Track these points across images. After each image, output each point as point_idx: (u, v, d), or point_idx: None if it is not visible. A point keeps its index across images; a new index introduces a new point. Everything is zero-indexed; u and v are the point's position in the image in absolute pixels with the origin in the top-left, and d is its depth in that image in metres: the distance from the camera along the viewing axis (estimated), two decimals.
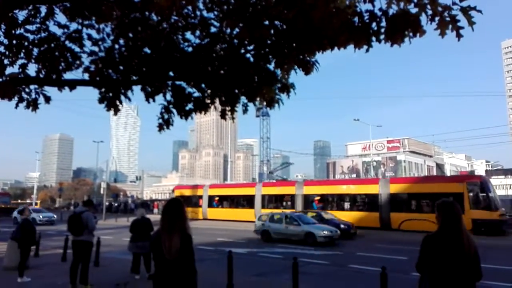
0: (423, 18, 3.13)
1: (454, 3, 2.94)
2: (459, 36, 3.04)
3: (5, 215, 35.60)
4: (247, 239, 19.31)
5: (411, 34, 3.23)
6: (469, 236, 3.17)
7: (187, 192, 37.42)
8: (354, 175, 74.44)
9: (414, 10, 3.12)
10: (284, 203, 30.08)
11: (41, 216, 30.52)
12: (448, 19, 3.00)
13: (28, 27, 4.66)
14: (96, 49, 5.07)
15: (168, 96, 5.26)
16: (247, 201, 32.05)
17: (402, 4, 3.11)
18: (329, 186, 30.12)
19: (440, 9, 3.00)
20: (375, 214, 24.71)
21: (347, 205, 26.98)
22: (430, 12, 3.05)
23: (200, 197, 35.40)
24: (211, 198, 34.76)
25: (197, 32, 4.89)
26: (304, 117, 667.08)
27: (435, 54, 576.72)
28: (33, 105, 4.94)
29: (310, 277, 9.71)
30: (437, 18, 3.03)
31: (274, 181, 38.48)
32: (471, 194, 21.51)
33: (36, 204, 61.01)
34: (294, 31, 3.75)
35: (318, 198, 28.38)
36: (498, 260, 11.92)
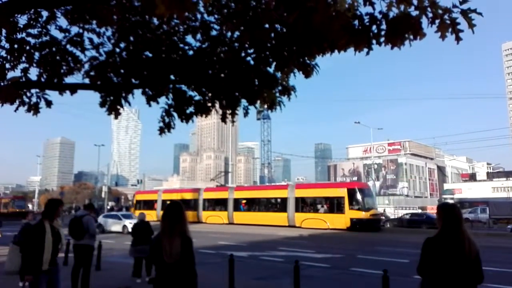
0: (423, 21, 3.12)
1: (454, 6, 2.94)
2: (458, 39, 3.03)
3: (20, 220, 34.90)
4: None
5: (411, 37, 3.22)
6: (470, 238, 3.15)
7: (146, 197, 41.46)
8: (355, 178, 74.40)
9: (414, 13, 3.11)
10: (220, 206, 34.16)
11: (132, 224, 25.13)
12: (448, 22, 2.99)
13: (30, 31, 4.66)
14: (96, 53, 5.08)
15: (169, 100, 5.26)
16: (193, 205, 35.29)
17: (402, 7, 3.10)
18: (253, 191, 34.79)
19: (440, 11, 2.98)
20: (284, 214, 29.47)
21: (265, 207, 31.61)
22: (430, 15, 3.04)
23: (156, 201, 38.86)
24: (164, 202, 38.07)
25: (198, 36, 4.89)
26: (304, 120, 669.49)
27: (436, 56, 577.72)
28: (34, 109, 4.94)
29: (311, 281, 9.68)
30: (437, 21, 3.01)
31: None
32: (350, 197, 26.43)
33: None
34: (294, 34, 3.74)
35: (244, 201, 32.83)
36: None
